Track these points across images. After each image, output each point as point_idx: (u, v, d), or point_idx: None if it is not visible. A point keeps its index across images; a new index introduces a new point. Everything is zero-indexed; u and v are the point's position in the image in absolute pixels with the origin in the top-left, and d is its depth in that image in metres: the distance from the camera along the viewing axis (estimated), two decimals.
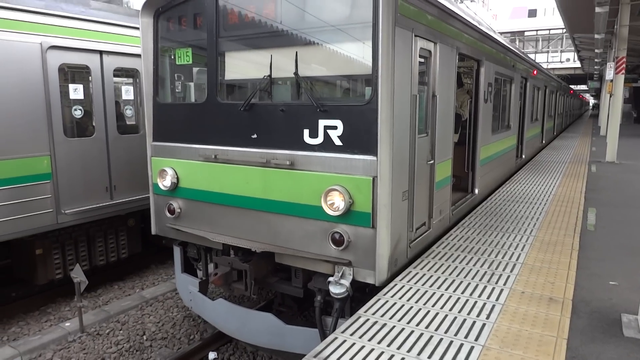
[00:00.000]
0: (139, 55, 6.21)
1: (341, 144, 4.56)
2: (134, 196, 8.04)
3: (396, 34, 4.41)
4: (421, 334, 3.67)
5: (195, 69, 6.04)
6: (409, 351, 3.43)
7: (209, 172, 5.46)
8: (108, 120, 7.68)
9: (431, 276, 4.84)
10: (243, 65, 5.57)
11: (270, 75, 5.03)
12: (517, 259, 5.36)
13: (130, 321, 7.02)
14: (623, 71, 15.00)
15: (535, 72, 13.92)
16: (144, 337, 6.62)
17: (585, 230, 6.68)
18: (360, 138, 4.47)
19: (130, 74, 8.42)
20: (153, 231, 6.29)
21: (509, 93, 10.36)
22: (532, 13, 59.01)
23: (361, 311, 4.09)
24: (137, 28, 6.33)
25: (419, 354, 3.40)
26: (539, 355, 3.37)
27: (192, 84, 6.19)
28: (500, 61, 8.95)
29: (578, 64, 44.66)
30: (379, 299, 4.31)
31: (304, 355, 3.43)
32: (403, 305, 4.18)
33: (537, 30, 54.22)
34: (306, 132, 4.75)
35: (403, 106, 4.71)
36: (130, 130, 8.28)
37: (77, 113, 7.40)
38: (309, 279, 5.13)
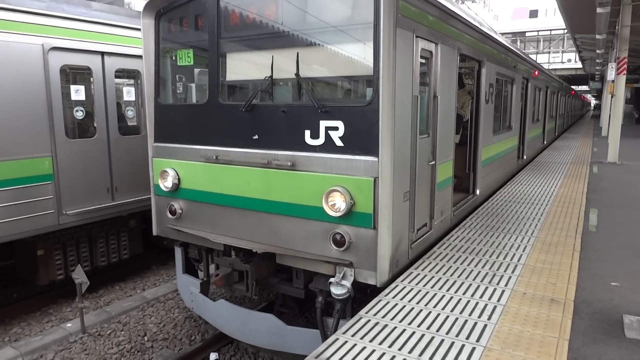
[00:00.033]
0: (140, 57, 6.22)
1: (342, 144, 4.57)
2: (135, 197, 8.04)
3: (397, 34, 4.41)
4: (422, 335, 3.67)
5: (196, 70, 6.04)
6: (410, 352, 3.43)
7: (210, 173, 5.46)
8: (109, 122, 7.70)
9: (432, 277, 4.83)
10: (244, 66, 5.58)
11: (271, 76, 5.04)
12: (518, 260, 5.35)
13: (132, 322, 7.02)
14: (624, 72, 14.98)
15: (536, 72, 13.91)
16: (145, 338, 6.62)
17: (587, 231, 6.67)
18: (362, 139, 4.47)
19: (132, 75, 8.43)
20: (154, 232, 6.30)
21: (510, 94, 10.35)
22: (534, 13, 58.98)
23: (362, 312, 4.08)
24: (139, 29, 6.34)
25: (420, 355, 3.39)
26: (541, 356, 3.36)
27: (193, 85, 6.20)
28: (501, 62, 8.95)
29: (579, 65, 44.63)
30: (380, 300, 4.31)
31: (305, 356, 3.43)
32: (404, 306, 4.17)
33: (538, 31, 54.19)
34: (307, 133, 4.75)
35: (404, 107, 4.71)
36: (132, 131, 8.29)
37: (79, 114, 7.41)
38: (310, 280, 5.13)
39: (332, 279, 4.68)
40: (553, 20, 50.63)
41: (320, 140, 4.68)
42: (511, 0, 62.16)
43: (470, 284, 4.65)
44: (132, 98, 8.38)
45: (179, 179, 5.76)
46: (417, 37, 4.91)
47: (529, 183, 10.26)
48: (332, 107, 4.62)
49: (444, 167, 6.01)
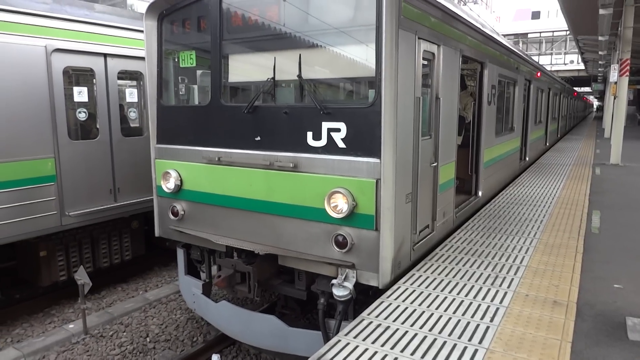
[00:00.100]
0: (143, 58, 6.23)
1: (344, 146, 4.57)
2: (137, 198, 8.06)
3: (399, 36, 4.41)
4: (425, 337, 3.66)
5: (199, 72, 6.05)
6: (412, 354, 3.42)
7: (213, 175, 5.47)
8: (112, 123, 7.72)
9: (435, 279, 4.83)
10: (247, 68, 5.59)
11: (273, 78, 5.04)
12: (521, 262, 5.34)
13: (134, 323, 7.03)
14: (627, 73, 14.95)
15: (538, 74, 13.90)
16: (147, 339, 6.62)
17: (590, 233, 6.65)
18: (364, 140, 4.47)
19: (134, 76, 8.45)
20: (157, 233, 6.30)
21: (512, 95, 10.34)
22: (536, 15, 58.93)
23: (364, 314, 4.08)
24: (141, 31, 6.36)
25: (422, 356, 3.39)
26: (544, 358, 3.35)
27: (195, 87, 6.21)
28: (503, 63, 8.94)
29: (582, 66, 44.56)
30: (383, 302, 4.31)
31: (307, 358, 3.43)
32: (406, 308, 4.17)
33: (540, 32, 54.10)
34: (309, 134, 4.75)
35: (406, 109, 4.71)
36: (134, 132, 8.31)
37: (82, 115, 7.43)
38: (312, 282, 5.13)
39: (334, 281, 4.68)
40: (555, 21, 50.59)
41: (323, 142, 4.68)
42: (513, 2, 62.16)
43: (473, 286, 4.65)
44: (135, 99, 8.40)
45: (181, 180, 5.77)
46: (419, 38, 4.91)
47: (532, 185, 10.24)
48: (335, 109, 4.62)
49: (446, 168, 6.00)
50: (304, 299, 5.30)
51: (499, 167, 9.35)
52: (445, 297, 4.39)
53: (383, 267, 4.50)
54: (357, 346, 3.53)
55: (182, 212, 5.84)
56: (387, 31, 4.26)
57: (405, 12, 4.54)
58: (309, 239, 4.84)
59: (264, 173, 5.04)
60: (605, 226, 7.04)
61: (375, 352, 3.44)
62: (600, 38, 18.19)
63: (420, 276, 4.90)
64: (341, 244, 4.61)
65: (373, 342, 3.59)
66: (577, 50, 35.74)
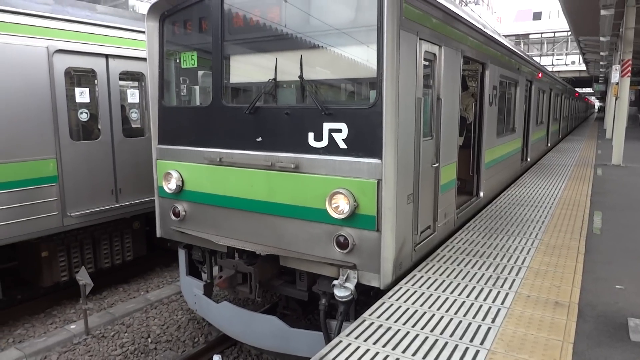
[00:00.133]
0: (144, 59, 6.24)
1: (346, 147, 4.57)
2: (139, 199, 8.07)
3: (401, 37, 4.42)
4: (426, 338, 3.66)
5: (200, 72, 6.06)
6: (414, 355, 3.42)
7: (214, 175, 5.47)
8: (114, 124, 7.73)
9: (436, 279, 4.82)
10: (248, 69, 5.59)
11: (275, 79, 5.05)
12: (522, 263, 5.34)
13: (135, 324, 7.03)
14: (629, 74, 14.93)
15: (540, 74, 13.89)
16: (149, 340, 6.63)
17: (591, 233, 6.65)
18: (365, 141, 4.47)
19: (136, 77, 8.46)
20: (158, 234, 6.31)
21: (513, 96, 10.34)
22: (537, 16, 58.88)
23: (366, 314, 4.08)
24: (143, 32, 6.36)
25: (424, 357, 3.39)
26: (545, 359, 3.35)
27: (197, 87, 6.22)
28: (505, 64, 8.94)
29: (583, 67, 44.54)
30: (384, 302, 4.30)
31: (309, 359, 3.43)
32: (408, 309, 4.17)
33: (542, 33, 54.10)
34: (311, 135, 4.75)
35: (408, 109, 4.71)
36: (136, 133, 8.32)
37: (83, 116, 7.44)
38: (313, 282, 5.13)
39: (335, 281, 4.68)
40: (557, 22, 50.58)
41: (324, 143, 4.69)
42: (515, 3, 62.13)
43: (474, 287, 4.64)
44: (136, 100, 8.41)
45: (182, 181, 5.77)
46: (420, 39, 4.91)
47: (533, 185, 10.23)
48: (336, 110, 4.62)
49: (447, 169, 6.00)
50: (305, 299, 5.30)
51: (501, 167, 9.35)
52: (447, 298, 4.38)
53: (384, 267, 4.50)
54: (358, 347, 3.53)
55: (184, 213, 5.84)
56: (389, 32, 4.27)
57: (407, 13, 4.54)
58: (310, 240, 4.84)
59: (265, 174, 5.04)
60: (607, 227, 7.04)
61: (377, 353, 3.44)
62: (601, 39, 18.19)
63: (422, 277, 4.89)
64: (342, 244, 4.61)
65: (374, 343, 3.59)
66: (578, 51, 35.71)
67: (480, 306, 4.21)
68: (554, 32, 52.30)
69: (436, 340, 3.63)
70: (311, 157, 4.75)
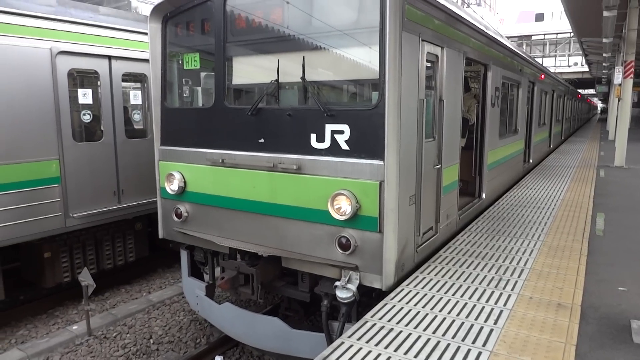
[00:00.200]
0: (147, 60, 6.25)
1: (348, 148, 4.57)
2: (141, 200, 8.08)
3: (403, 38, 4.42)
4: (428, 339, 3.66)
5: (202, 74, 6.07)
6: (416, 356, 3.42)
7: (216, 176, 5.48)
8: (116, 125, 7.74)
9: (438, 281, 4.82)
10: (250, 70, 5.60)
11: (277, 80, 5.05)
12: (524, 264, 5.33)
13: (137, 325, 7.04)
14: (631, 75, 14.90)
15: (542, 76, 13.87)
16: (151, 341, 6.63)
17: (594, 235, 6.63)
18: (367, 142, 4.47)
19: (139, 78, 8.48)
20: (160, 235, 6.32)
21: (516, 97, 10.32)
22: (539, 17, 58.84)
23: (368, 316, 4.08)
24: (146, 33, 6.38)
25: (426, 359, 3.38)
26: None
27: (199, 89, 6.23)
28: (507, 65, 8.93)
29: (586, 68, 44.43)
30: (386, 304, 4.30)
31: None
32: (410, 310, 4.16)
33: (544, 34, 54.04)
34: (313, 136, 4.76)
35: (410, 111, 4.71)
36: (138, 134, 8.33)
37: (86, 117, 7.46)
38: (315, 284, 5.13)
39: (337, 283, 4.68)
40: (559, 23, 50.50)
41: (326, 144, 4.69)
42: (517, 4, 62.10)
43: (477, 288, 4.63)
44: (139, 101, 8.43)
45: (185, 182, 5.78)
46: (423, 40, 4.91)
47: (535, 187, 10.21)
48: (338, 111, 4.62)
49: (449, 170, 6.00)
50: (307, 300, 5.30)
51: (503, 169, 9.33)
52: (449, 300, 4.38)
53: (386, 269, 4.49)
54: (360, 348, 3.53)
55: (186, 214, 5.85)
56: (391, 33, 4.27)
57: (409, 15, 4.54)
58: (312, 241, 4.84)
59: (267, 175, 5.04)
60: (610, 228, 7.02)
61: (379, 355, 3.44)
62: (604, 40, 18.16)
63: (424, 278, 4.89)
64: (344, 246, 4.61)
65: (376, 345, 3.58)
66: (581, 52, 35.65)
67: (483, 308, 4.21)
68: (557, 34, 52.23)
69: (438, 341, 3.62)
70: (313, 159, 4.75)
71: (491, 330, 3.79)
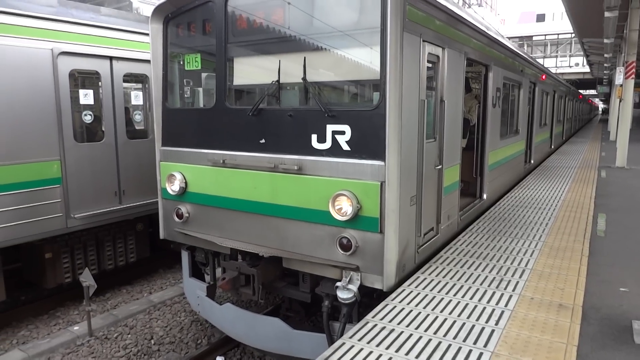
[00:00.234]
0: (148, 61, 6.26)
1: (349, 149, 4.57)
2: (142, 201, 8.08)
3: (404, 39, 4.42)
4: (429, 340, 3.65)
5: (204, 75, 6.08)
6: (417, 357, 3.41)
7: (217, 177, 5.48)
8: (117, 126, 7.75)
9: (439, 282, 4.81)
10: (251, 71, 5.60)
11: (278, 81, 5.05)
12: (526, 265, 5.32)
13: (138, 325, 7.04)
14: (633, 76, 14.88)
15: (543, 76, 13.87)
16: (152, 342, 6.63)
17: (595, 236, 6.62)
18: (368, 143, 4.47)
19: (140, 79, 8.49)
20: (161, 235, 6.32)
21: (517, 98, 10.32)
22: (541, 18, 58.79)
23: (369, 316, 4.07)
24: (147, 34, 6.38)
25: (427, 359, 3.38)
26: None
27: (200, 89, 6.23)
28: (508, 66, 8.93)
29: (587, 69, 44.39)
30: (387, 305, 4.30)
31: None
32: (411, 311, 4.16)
33: (545, 35, 53.99)
34: (314, 137, 4.76)
35: (411, 111, 4.70)
36: (139, 135, 8.34)
37: (87, 118, 7.47)
38: (316, 284, 5.13)
39: (338, 283, 4.68)
40: (560, 24, 50.43)
41: (327, 145, 4.69)
42: (518, 5, 62.09)
43: (478, 289, 4.63)
44: (140, 102, 8.43)
45: (186, 183, 5.78)
46: (424, 41, 4.91)
47: (537, 187, 10.21)
48: (339, 111, 4.62)
49: (450, 171, 5.99)
50: (309, 301, 5.30)
51: (504, 169, 9.33)
52: (450, 300, 4.38)
53: (387, 269, 4.49)
54: (361, 349, 3.53)
55: (187, 215, 5.85)
56: (392, 34, 4.27)
57: (410, 15, 4.54)
58: (313, 242, 4.84)
59: (268, 175, 5.04)
60: (611, 229, 7.01)
61: (380, 355, 3.44)
62: (605, 41, 18.16)
63: (425, 279, 4.89)
64: (345, 246, 4.61)
65: (378, 345, 3.58)
66: (582, 52, 35.63)
67: (484, 308, 4.20)
68: (558, 34, 52.17)
69: (439, 342, 3.62)
70: (314, 159, 4.75)
71: (492, 331, 3.78)
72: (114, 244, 8.15)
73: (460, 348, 3.53)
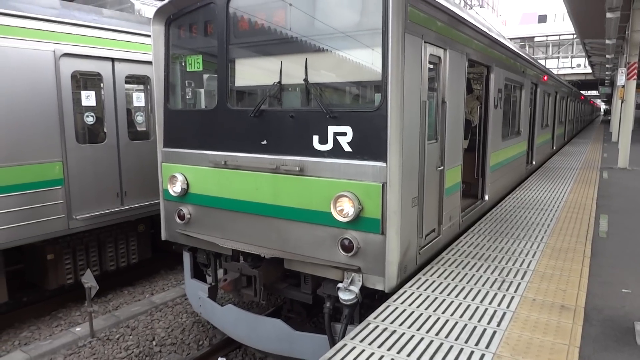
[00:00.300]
0: (150, 63, 6.28)
1: (351, 150, 4.57)
2: (144, 202, 8.09)
3: (406, 40, 4.42)
4: (431, 341, 3.65)
5: (205, 76, 6.08)
6: (419, 358, 3.41)
7: (219, 178, 5.48)
8: (119, 127, 7.76)
9: (441, 283, 4.81)
10: (253, 72, 5.61)
11: (280, 82, 5.06)
12: (528, 266, 5.32)
13: (140, 326, 7.05)
14: (635, 77, 14.86)
15: (545, 77, 13.85)
16: (154, 343, 6.64)
17: (597, 237, 6.61)
18: (370, 144, 4.47)
19: (142, 80, 8.50)
20: (163, 237, 6.33)
21: (519, 99, 10.31)
22: (542, 19, 58.74)
23: (370, 318, 4.07)
24: (149, 35, 6.39)
25: None
26: None
27: (202, 91, 6.24)
28: (510, 67, 8.92)
29: (589, 70, 44.36)
30: (389, 306, 4.29)
31: None
32: (413, 312, 4.16)
33: (547, 36, 53.95)
34: (316, 138, 4.76)
35: (413, 112, 4.71)
36: (141, 136, 8.35)
37: (89, 119, 7.48)
38: (318, 285, 5.13)
39: (340, 285, 4.68)
40: (562, 25, 50.39)
41: (329, 146, 4.69)
42: (520, 6, 62.11)
43: (479, 290, 4.63)
44: (142, 103, 8.45)
45: (187, 184, 5.79)
46: (425, 42, 4.92)
47: (538, 189, 10.19)
48: (341, 113, 4.63)
49: (452, 172, 5.99)
50: (310, 302, 5.30)
51: (506, 170, 9.32)
52: (452, 301, 4.37)
53: (389, 271, 4.49)
54: (363, 350, 3.53)
55: (189, 216, 5.86)
56: (394, 35, 4.27)
57: (412, 16, 4.54)
58: (315, 243, 4.84)
59: (270, 177, 5.05)
60: (613, 230, 7.00)
61: (382, 357, 3.44)
62: (607, 41, 18.15)
63: (427, 280, 4.88)
64: (347, 247, 4.61)
65: (379, 347, 3.58)
66: (584, 53, 35.58)
67: (486, 310, 4.20)
68: (560, 35, 52.13)
69: (441, 343, 3.62)
70: (316, 160, 4.75)
71: (494, 332, 3.78)
72: (115, 245, 8.15)
73: (462, 349, 3.53)
